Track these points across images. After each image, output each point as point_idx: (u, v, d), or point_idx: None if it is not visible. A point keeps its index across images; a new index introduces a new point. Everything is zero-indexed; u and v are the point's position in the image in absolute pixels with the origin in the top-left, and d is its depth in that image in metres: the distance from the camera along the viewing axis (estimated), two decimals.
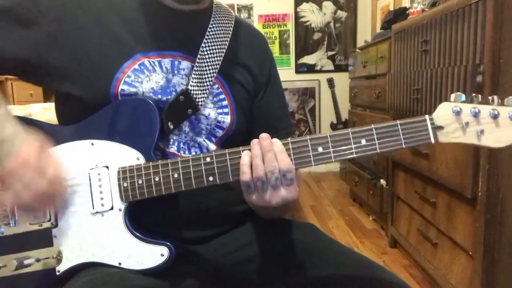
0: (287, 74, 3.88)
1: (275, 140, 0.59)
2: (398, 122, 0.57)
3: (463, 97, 0.56)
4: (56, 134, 0.68)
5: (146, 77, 0.68)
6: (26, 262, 0.64)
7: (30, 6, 0.65)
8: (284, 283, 0.69)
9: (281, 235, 0.76)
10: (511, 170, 1.19)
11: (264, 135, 0.58)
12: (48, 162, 0.60)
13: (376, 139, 0.57)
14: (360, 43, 3.55)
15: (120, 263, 0.64)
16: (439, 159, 1.42)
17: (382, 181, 2.13)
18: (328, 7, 3.85)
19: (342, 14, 3.87)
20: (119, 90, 0.66)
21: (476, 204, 1.24)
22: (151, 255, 0.63)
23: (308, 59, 3.93)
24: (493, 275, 1.24)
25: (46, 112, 1.47)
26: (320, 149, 0.58)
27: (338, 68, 3.92)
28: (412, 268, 1.82)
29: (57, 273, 0.65)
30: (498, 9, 1.13)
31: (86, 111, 0.67)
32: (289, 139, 0.59)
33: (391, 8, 3.09)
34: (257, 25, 3.82)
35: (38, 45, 0.65)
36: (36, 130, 0.67)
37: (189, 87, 0.69)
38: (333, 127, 3.80)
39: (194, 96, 0.69)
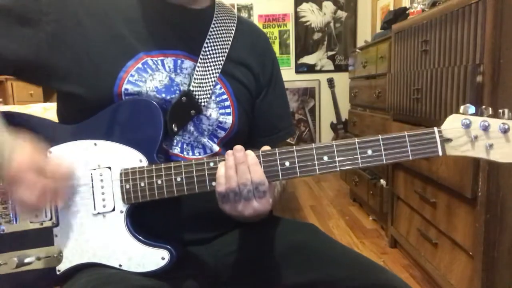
0: (287, 74, 3.88)
1: (249, 152, 0.58)
2: (406, 133, 0.56)
3: (473, 109, 0.55)
4: (59, 133, 0.68)
5: (150, 76, 0.68)
6: (26, 260, 0.64)
7: (32, 5, 0.65)
8: (284, 283, 0.69)
9: (282, 235, 0.76)
10: (511, 170, 1.19)
11: (238, 147, 0.58)
12: (43, 161, 0.60)
13: (382, 150, 0.57)
14: (360, 43, 3.55)
15: (120, 265, 0.64)
16: (439, 159, 1.42)
17: (382, 181, 2.13)
18: (328, 7, 3.85)
19: (342, 14, 3.87)
20: (123, 89, 0.66)
21: (476, 204, 1.24)
22: (151, 258, 0.63)
23: (308, 59, 3.93)
24: (493, 275, 1.24)
25: (46, 112, 1.47)
26: (325, 158, 0.58)
27: (338, 68, 3.92)
28: (412, 268, 1.82)
29: (57, 273, 0.65)
30: (498, 9, 1.13)
31: (89, 111, 0.67)
32: (294, 146, 0.59)
33: (391, 8, 3.10)
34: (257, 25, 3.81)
35: (40, 45, 0.65)
36: (35, 129, 0.67)
37: (191, 88, 0.69)
38: (333, 127, 3.80)
39: (197, 97, 0.69)
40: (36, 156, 0.59)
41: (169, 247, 0.63)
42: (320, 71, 3.94)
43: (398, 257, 1.94)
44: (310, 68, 3.94)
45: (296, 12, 3.87)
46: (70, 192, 0.65)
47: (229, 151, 0.59)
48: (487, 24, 1.15)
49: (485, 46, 1.17)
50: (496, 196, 1.20)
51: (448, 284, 1.43)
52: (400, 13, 2.19)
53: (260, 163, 0.58)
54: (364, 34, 3.78)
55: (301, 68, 3.94)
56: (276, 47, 3.89)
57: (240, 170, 0.57)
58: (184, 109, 0.69)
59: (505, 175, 1.20)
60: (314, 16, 3.87)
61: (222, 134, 0.74)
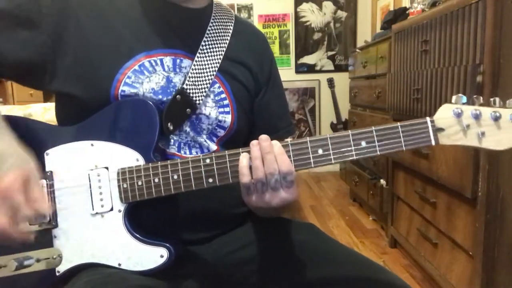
0: (287, 74, 3.88)
1: (275, 142, 0.58)
2: (398, 124, 0.57)
3: (464, 99, 0.55)
4: (55, 135, 0.68)
5: (146, 78, 0.68)
6: (26, 262, 0.64)
7: (32, 7, 0.65)
8: (284, 283, 0.69)
9: (281, 235, 0.76)
10: (511, 170, 1.19)
11: (263, 137, 0.58)
12: (31, 195, 0.56)
13: (376, 141, 0.57)
14: (360, 43, 3.55)
15: (119, 264, 0.64)
16: (439, 159, 1.42)
17: (382, 181, 2.13)
18: (328, 7, 3.85)
19: (342, 14, 3.86)
20: (120, 91, 0.66)
21: (476, 204, 1.24)
22: (150, 256, 0.63)
23: (308, 59, 3.93)
24: (493, 275, 1.24)
25: (46, 112, 1.47)
26: (320, 151, 0.58)
27: (338, 68, 3.92)
28: (412, 268, 1.82)
29: (57, 274, 0.65)
30: (498, 9, 1.13)
31: (86, 112, 0.67)
32: (289, 140, 0.59)
33: (391, 8, 3.09)
34: (257, 25, 3.81)
35: (41, 46, 0.65)
36: (31, 132, 0.67)
37: (185, 86, 0.69)
38: (333, 127, 3.80)
39: (191, 94, 0.69)
40: (27, 184, 0.56)
41: (167, 245, 0.63)
42: (320, 71, 3.94)
43: (398, 257, 1.94)
44: (310, 68, 3.94)
45: (296, 12, 3.86)
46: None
47: (254, 141, 0.59)
48: (487, 24, 1.15)
49: (485, 46, 1.17)
50: (496, 196, 1.20)
51: (448, 284, 1.43)
52: (400, 13, 2.19)
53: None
54: (364, 34, 3.78)
55: (301, 68, 3.94)
56: (276, 47, 3.89)
57: (267, 160, 0.57)
58: (179, 108, 0.69)
59: (505, 175, 1.19)
60: (314, 16, 3.87)
61: (221, 133, 0.74)
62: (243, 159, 0.58)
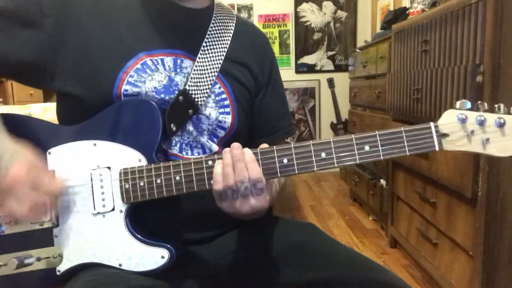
0: (287, 74, 3.88)
1: (246, 149, 0.58)
2: (402, 129, 0.57)
3: (469, 105, 0.55)
4: (58, 134, 0.68)
5: (149, 77, 0.68)
6: (26, 261, 0.64)
7: (33, 7, 0.65)
8: (284, 282, 0.69)
9: (282, 235, 0.76)
10: (511, 170, 1.19)
11: (235, 145, 0.58)
12: (39, 176, 0.59)
13: (380, 146, 0.57)
14: (360, 43, 3.55)
15: (120, 265, 0.64)
16: (439, 159, 1.42)
17: (382, 181, 2.13)
18: (328, 7, 3.85)
19: (342, 14, 3.87)
20: (122, 90, 0.66)
21: (476, 204, 1.24)
22: (151, 257, 0.63)
23: (308, 59, 3.93)
24: (493, 275, 1.24)
25: (46, 112, 1.47)
26: (323, 155, 0.58)
27: (338, 68, 3.92)
28: (412, 268, 1.82)
29: (58, 273, 0.65)
30: (498, 9, 1.13)
31: (88, 112, 0.67)
32: (292, 143, 0.59)
33: (391, 8, 3.09)
34: (257, 25, 3.81)
35: (42, 46, 0.65)
36: (34, 130, 0.67)
37: (187, 87, 0.69)
38: (333, 127, 3.80)
39: (193, 96, 0.69)
40: (33, 170, 0.59)
41: (168, 246, 0.63)
42: (320, 71, 3.94)
43: (398, 257, 1.94)
44: (310, 68, 3.94)
45: (296, 12, 3.87)
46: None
47: (226, 149, 0.59)
48: (487, 24, 1.15)
49: (485, 46, 1.17)
50: (496, 196, 1.20)
51: (448, 284, 1.43)
52: (400, 13, 2.19)
53: (258, 161, 0.58)
54: (364, 34, 3.78)
55: (301, 68, 3.94)
56: (276, 47, 3.89)
57: (238, 167, 0.57)
58: (182, 109, 0.69)
59: (505, 175, 1.20)
60: (314, 16, 3.87)
61: (221, 133, 0.74)
62: (217, 166, 0.59)
